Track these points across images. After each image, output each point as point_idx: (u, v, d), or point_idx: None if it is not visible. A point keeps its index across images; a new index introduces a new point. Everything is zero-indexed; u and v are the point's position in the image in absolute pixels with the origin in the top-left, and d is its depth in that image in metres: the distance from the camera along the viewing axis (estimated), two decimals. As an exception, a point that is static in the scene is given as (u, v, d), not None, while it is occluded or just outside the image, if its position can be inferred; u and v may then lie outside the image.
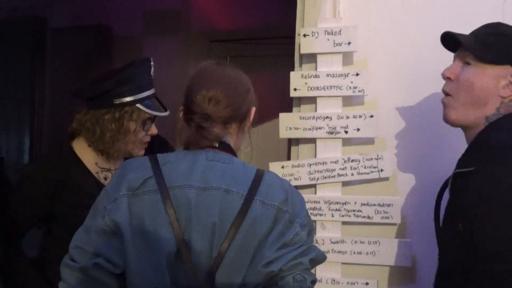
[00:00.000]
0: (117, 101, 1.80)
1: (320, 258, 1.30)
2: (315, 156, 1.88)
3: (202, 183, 1.27)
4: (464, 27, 1.55)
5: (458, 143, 1.58)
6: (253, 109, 1.41)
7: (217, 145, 1.33)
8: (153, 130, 1.89)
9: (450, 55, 1.56)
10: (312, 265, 1.28)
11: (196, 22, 3.68)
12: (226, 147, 1.35)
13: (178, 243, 1.22)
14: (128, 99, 1.80)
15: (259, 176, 1.30)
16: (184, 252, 1.22)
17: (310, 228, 1.31)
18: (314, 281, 1.27)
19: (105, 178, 1.89)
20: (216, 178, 1.27)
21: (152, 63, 1.89)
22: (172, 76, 3.57)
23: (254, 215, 1.24)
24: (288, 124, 1.90)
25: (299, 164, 1.88)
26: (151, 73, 1.89)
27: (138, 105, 1.81)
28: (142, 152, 1.89)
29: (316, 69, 1.89)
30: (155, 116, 1.87)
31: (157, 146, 2.02)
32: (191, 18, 3.70)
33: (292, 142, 1.98)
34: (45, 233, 1.90)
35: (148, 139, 1.90)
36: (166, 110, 1.91)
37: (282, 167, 1.88)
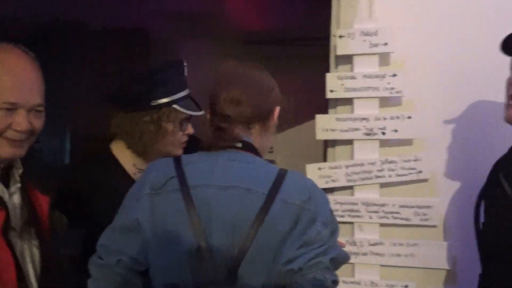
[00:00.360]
0: (154, 103, 1.82)
1: (341, 258, 1.29)
2: (352, 158, 1.88)
3: (222, 182, 1.28)
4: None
5: (498, 143, 1.56)
6: (277, 109, 1.41)
7: (240, 145, 1.34)
8: (190, 129, 1.91)
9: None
10: (334, 265, 1.26)
11: (230, 24, 3.70)
12: (248, 147, 1.35)
13: (199, 241, 1.24)
14: (164, 100, 1.82)
15: (281, 175, 1.30)
16: (205, 249, 1.23)
17: (334, 228, 1.30)
18: (335, 281, 1.25)
19: None
20: (236, 177, 1.29)
21: (185, 64, 1.91)
22: (206, 78, 3.59)
23: (275, 213, 1.24)
24: (325, 125, 1.90)
25: (336, 166, 1.88)
26: (185, 73, 1.91)
27: (174, 105, 1.83)
28: (181, 152, 1.92)
29: (352, 70, 1.88)
30: (191, 116, 1.90)
31: (192, 147, 2.05)
32: (225, 20, 3.72)
33: (328, 143, 1.98)
34: (85, 235, 1.95)
35: (185, 138, 1.92)
36: (201, 110, 1.93)
37: (319, 168, 1.88)
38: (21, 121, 1.33)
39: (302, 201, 1.26)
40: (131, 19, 4.04)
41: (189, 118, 1.90)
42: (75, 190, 1.83)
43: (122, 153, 1.90)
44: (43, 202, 1.50)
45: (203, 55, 3.63)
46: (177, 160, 1.35)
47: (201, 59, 3.60)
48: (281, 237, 1.24)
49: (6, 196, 1.40)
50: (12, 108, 1.32)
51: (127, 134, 1.86)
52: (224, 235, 1.24)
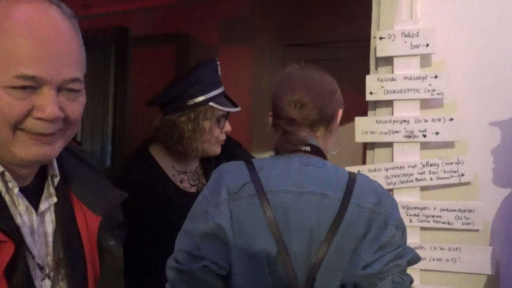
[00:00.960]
0: (190, 102, 1.86)
1: (416, 259, 1.31)
2: (392, 160, 1.86)
3: (297, 187, 1.29)
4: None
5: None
6: (340, 111, 1.43)
7: (309, 150, 1.36)
8: (227, 127, 1.94)
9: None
10: (409, 266, 1.29)
11: (270, 26, 3.72)
12: (317, 151, 1.37)
13: (278, 247, 1.25)
14: (200, 98, 1.86)
15: (352, 179, 1.32)
16: (283, 255, 1.25)
17: (404, 229, 1.32)
18: (411, 282, 1.28)
19: (181, 181, 1.95)
20: (311, 182, 1.29)
21: (218, 62, 1.94)
22: (247, 81, 3.63)
23: (350, 218, 1.26)
24: (364, 128, 1.88)
25: (375, 169, 1.86)
26: (218, 72, 1.94)
27: (210, 103, 1.87)
28: (219, 150, 1.95)
29: (392, 72, 1.86)
30: (228, 113, 1.92)
31: (229, 149, 2.07)
32: (265, 23, 3.74)
33: (367, 146, 1.97)
34: (127, 236, 1.97)
35: (224, 136, 1.95)
36: (237, 106, 1.95)
37: (358, 171, 1.87)
38: (47, 104, 0.88)
39: (373, 205, 1.28)
40: (173, 24, 4.12)
41: (226, 116, 1.93)
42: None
43: (161, 155, 1.94)
44: (93, 224, 1.04)
45: (244, 59, 3.66)
46: (250, 165, 1.36)
47: (242, 62, 3.64)
48: (356, 240, 1.26)
49: (24, 220, 0.94)
50: (32, 85, 0.87)
51: (166, 136, 1.90)
52: (302, 240, 1.25)
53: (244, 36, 3.75)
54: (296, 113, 1.34)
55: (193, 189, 1.96)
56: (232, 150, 2.10)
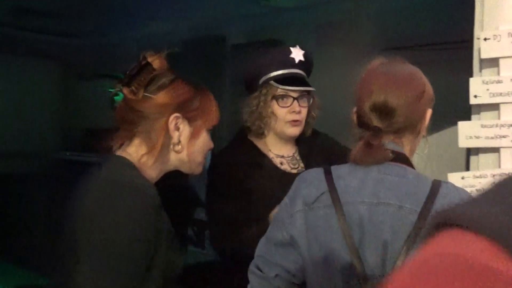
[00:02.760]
0: (260, 82, 1.98)
1: None
2: (499, 166, 1.77)
3: (374, 198, 1.25)
4: None
5: None
6: (429, 111, 1.34)
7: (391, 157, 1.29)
8: (296, 107, 1.97)
9: None
10: None
11: (367, 30, 3.68)
12: (401, 158, 1.30)
13: (352, 259, 1.23)
14: (266, 77, 1.97)
15: (434, 189, 1.24)
16: (359, 267, 1.22)
17: None
18: None
19: (281, 163, 2.04)
20: (388, 193, 1.25)
21: (292, 47, 2.02)
22: (343, 85, 3.60)
23: None
24: (468, 133, 1.82)
25: (481, 175, 1.79)
26: (291, 55, 2.00)
27: (271, 82, 1.95)
28: (293, 130, 2.01)
29: (498, 74, 1.78)
30: (298, 96, 1.97)
31: (327, 143, 2.10)
32: (361, 27, 3.71)
33: (471, 151, 1.89)
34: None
35: (294, 117, 1.98)
36: (308, 86, 2.00)
37: (462, 177, 1.81)
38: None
39: None
40: (268, 31, 4.19)
41: (295, 97, 1.97)
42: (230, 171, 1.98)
43: (257, 140, 2.07)
44: None
45: (341, 63, 3.65)
46: (328, 173, 1.33)
47: (338, 67, 3.63)
48: None
49: None
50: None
51: (248, 121, 2.02)
52: (377, 252, 1.23)
53: (340, 41, 3.74)
54: (381, 122, 1.27)
55: (294, 171, 2.04)
56: (331, 145, 2.16)
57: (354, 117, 1.37)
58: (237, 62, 4.38)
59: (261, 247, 1.38)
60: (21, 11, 5.69)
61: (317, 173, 1.36)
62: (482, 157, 1.83)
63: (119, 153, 1.42)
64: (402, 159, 1.31)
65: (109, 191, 1.30)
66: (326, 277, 1.26)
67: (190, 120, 1.44)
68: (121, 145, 1.44)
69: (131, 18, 5.19)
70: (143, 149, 1.41)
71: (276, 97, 1.98)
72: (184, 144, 1.43)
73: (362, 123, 1.31)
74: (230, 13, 4.45)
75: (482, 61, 1.83)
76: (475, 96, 1.81)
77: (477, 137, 1.80)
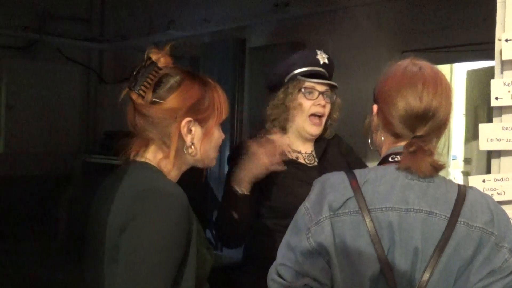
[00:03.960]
0: (287, 78, 2.08)
1: None
2: (521, 169, 1.75)
3: (403, 204, 1.23)
4: None
5: None
6: (452, 113, 1.33)
7: None
8: (320, 100, 2.08)
9: None
10: None
11: (386, 33, 3.66)
12: None
13: (382, 266, 1.20)
14: (291, 74, 2.07)
15: (462, 194, 1.23)
16: (388, 275, 1.20)
17: None
18: None
19: (297, 158, 2.12)
20: (417, 199, 1.23)
21: (318, 51, 2.13)
22: (362, 87, 3.59)
23: (458, 238, 1.18)
24: (490, 135, 1.79)
25: (502, 178, 1.76)
26: (316, 55, 2.11)
27: (298, 76, 2.06)
28: (314, 129, 2.10)
29: (520, 76, 1.76)
30: (323, 91, 2.08)
31: (343, 147, 2.24)
32: (381, 30, 3.69)
33: (492, 154, 1.87)
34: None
35: (317, 109, 2.08)
36: (329, 80, 2.12)
37: (483, 181, 1.78)
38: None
39: (485, 224, 1.20)
40: (288, 34, 4.20)
41: (321, 91, 2.08)
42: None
43: (277, 137, 2.09)
44: None
45: (360, 66, 3.64)
46: (353, 178, 1.29)
47: (359, 70, 3.62)
48: (464, 262, 1.18)
49: None
50: None
51: (271, 115, 2.11)
52: (407, 260, 1.21)
53: (360, 43, 3.73)
54: (423, 128, 1.25)
55: (310, 165, 2.12)
56: (347, 150, 2.25)
57: (375, 119, 1.35)
58: (256, 64, 4.40)
59: (283, 255, 1.31)
60: (45, 16, 5.80)
61: (341, 177, 1.32)
62: (504, 160, 1.80)
63: (139, 159, 1.44)
64: None
65: (145, 197, 1.30)
66: (356, 285, 1.23)
67: (201, 121, 1.44)
68: (137, 151, 1.44)
69: (152, 22, 5.25)
70: (159, 155, 1.42)
71: (303, 90, 2.07)
72: (197, 146, 1.44)
73: (395, 131, 1.29)
74: (249, 18, 4.48)
75: (503, 62, 1.81)
76: (496, 98, 1.78)
77: (498, 140, 1.78)
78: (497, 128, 1.79)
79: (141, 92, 1.37)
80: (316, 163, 2.14)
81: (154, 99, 1.38)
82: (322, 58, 2.13)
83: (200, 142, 1.44)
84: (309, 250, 1.26)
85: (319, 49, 2.16)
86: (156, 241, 1.25)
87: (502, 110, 1.81)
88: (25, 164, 5.61)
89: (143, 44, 5.51)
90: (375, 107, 1.38)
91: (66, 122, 5.92)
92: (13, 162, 5.56)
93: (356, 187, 1.27)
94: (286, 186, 2.02)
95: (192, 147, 1.42)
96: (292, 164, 2.07)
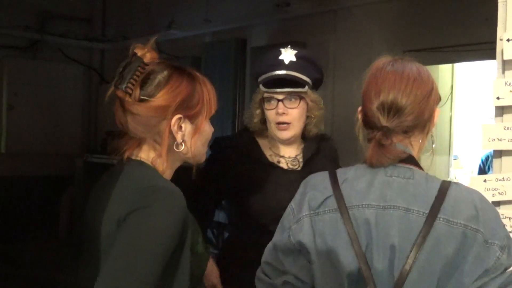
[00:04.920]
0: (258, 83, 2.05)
1: None
2: (522, 169, 1.74)
3: (381, 201, 1.23)
4: None
5: None
6: (438, 110, 1.31)
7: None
8: (280, 109, 1.98)
9: None
10: None
11: (388, 33, 3.66)
12: (408, 159, 1.28)
13: (360, 264, 1.20)
14: (259, 79, 2.03)
15: (443, 190, 1.21)
16: (366, 273, 1.20)
17: (510, 248, 1.18)
18: None
19: (278, 162, 2.06)
20: (395, 195, 1.22)
21: (282, 48, 2.02)
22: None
23: (437, 235, 1.17)
24: (491, 135, 1.79)
25: (504, 178, 1.76)
26: (280, 57, 2.00)
27: (260, 85, 2.02)
28: (282, 134, 2.02)
29: (522, 76, 1.76)
30: (282, 98, 1.98)
31: (330, 152, 2.19)
32: (382, 29, 3.69)
33: (494, 154, 1.87)
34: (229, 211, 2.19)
35: (280, 119, 2.00)
36: (297, 87, 2.00)
37: (485, 180, 1.78)
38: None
39: (466, 220, 1.17)
40: (289, 34, 4.20)
41: (280, 100, 1.99)
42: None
43: (260, 138, 2.10)
44: None
45: (362, 66, 3.64)
46: (333, 177, 1.31)
47: (360, 69, 3.62)
48: (446, 261, 1.16)
49: None
50: None
51: (248, 120, 2.09)
52: (385, 257, 1.20)
53: (361, 43, 3.73)
54: (389, 120, 1.24)
55: (291, 169, 2.08)
56: (335, 157, 2.20)
57: (360, 116, 1.34)
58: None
59: (268, 254, 1.35)
60: (46, 16, 5.81)
61: (323, 177, 1.33)
62: (505, 159, 1.80)
63: (134, 158, 1.42)
64: (410, 159, 1.28)
65: (148, 193, 1.29)
66: (335, 282, 1.24)
67: (191, 118, 1.41)
68: (131, 151, 1.43)
69: (153, 22, 5.25)
70: (152, 153, 1.41)
71: (264, 100, 2.02)
72: (188, 143, 1.42)
73: (370, 123, 1.28)
74: (251, 18, 4.48)
75: (505, 62, 1.81)
76: (498, 98, 1.78)
77: (500, 140, 1.77)
78: (498, 128, 1.78)
79: (128, 89, 1.33)
80: (299, 168, 2.08)
81: (142, 97, 1.35)
82: (288, 56, 2.00)
83: (191, 138, 1.42)
84: (290, 248, 1.29)
85: (285, 47, 2.02)
86: (153, 234, 1.24)
87: (503, 110, 1.81)
88: (26, 164, 5.62)
89: (144, 44, 5.52)
90: (359, 107, 1.37)
91: (67, 122, 5.93)
92: (14, 162, 5.57)
93: (335, 186, 1.28)
94: (261, 190, 1.98)
95: (183, 144, 1.40)
96: (271, 167, 2.04)
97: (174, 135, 1.39)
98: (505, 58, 1.79)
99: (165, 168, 1.40)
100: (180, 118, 1.38)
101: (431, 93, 1.29)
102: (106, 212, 1.32)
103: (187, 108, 1.39)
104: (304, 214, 1.29)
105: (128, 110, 1.36)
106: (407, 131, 1.27)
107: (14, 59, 5.67)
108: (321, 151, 2.13)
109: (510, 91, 1.76)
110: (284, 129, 2.01)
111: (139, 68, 1.34)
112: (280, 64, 1.99)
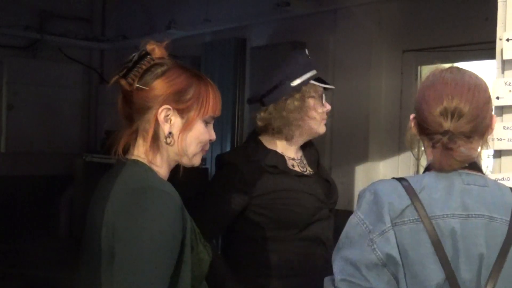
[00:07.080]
0: (294, 83, 2.00)
1: None
2: (522, 169, 1.75)
3: (463, 210, 1.22)
4: None
5: None
6: (495, 118, 1.34)
7: (467, 165, 1.27)
8: (327, 106, 2.06)
9: None
10: None
11: (387, 32, 3.66)
12: (476, 167, 1.28)
13: (447, 275, 1.19)
14: (303, 78, 2.01)
15: None
16: (452, 283, 1.19)
17: None
18: None
19: (292, 166, 2.06)
20: (476, 204, 1.22)
21: (306, 49, 2.10)
22: (363, 87, 3.59)
23: None
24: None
25: (503, 178, 1.76)
26: (308, 56, 2.07)
27: (311, 81, 2.01)
28: (324, 128, 2.07)
29: (521, 75, 1.76)
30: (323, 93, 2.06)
31: (315, 152, 2.20)
32: (382, 29, 3.69)
33: (493, 154, 1.87)
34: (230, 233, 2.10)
35: (325, 116, 2.06)
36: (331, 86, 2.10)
37: (484, 180, 1.78)
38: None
39: None
40: (288, 34, 4.20)
41: (321, 95, 2.05)
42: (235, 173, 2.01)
43: (269, 143, 2.08)
44: None
45: (361, 64, 3.63)
46: (408, 186, 1.27)
47: (359, 68, 3.62)
48: None
49: None
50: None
51: (276, 122, 2.02)
52: (472, 267, 1.20)
53: (361, 42, 3.73)
54: (453, 125, 1.24)
55: (306, 173, 2.09)
56: (318, 154, 2.23)
57: (412, 124, 1.35)
58: (257, 64, 4.41)
59: (343, 270, 1.26)
60: (46, 15, 5.81)
61: (393, 184, 1.29)
62: (504, 159, 1.80)
63: (129, 156, 1.43)
64: (477, 167, 1.30)
65: (139, 195, 1.30)
66: None
67: (182, 111, 1.40)
68: (128, 148, 1.43)
69: (153, 22, 5.25)
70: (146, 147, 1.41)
71: (316, 96, 2.04)
72: (175, 136, 1.41)
73: (430, 129, 1.28)
74: (251, 17, 4.48)
75: (504, 62, 1.81)
76: (497, 98, 1.78)
77: (499, 139, 1.77)
78: (498, 127, 1.78)
79: (129, 79, 1.38)
80: (308, 171, 2.11)
81: (137, 85, 1.38)
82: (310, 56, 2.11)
83: (179, 133, 1.41)
84: (375, 262, 1.23)
85: (305, 45, 2.13)
86: (151, 241, 1.24)
87: (503, 109, 1.81)
88: (26, 164, 5.62)
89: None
90: (411, 115, 1.38)
91: (67, 121, 5.93)
92: (14, 162, 5.57)
93: (413, 195, 1.25)
94: (295, 199, 1.99)
95: (170, 137, 1.40)
96: (292, 174, 2.04)
97: (161, 126, 1.40)
98: (504, 58, 1.79)
99: (160, 164, 1.41)
100: (168, 109, 1.39)
101: (489, 99, 1.32)
102: (104, 216, 1.32)
103: (178, 101, 1.40)
104: (388, 226, 1.24)
105: (127, 98, 1.41)
106: (469, 136, 1.28)
107: (14, 59, 5.67)
108: (314, 153, 2.20)
109: (510, 91, 1.76)
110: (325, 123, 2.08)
111: (145, 61, 1.38)
112: (312, 62, 2.07)
